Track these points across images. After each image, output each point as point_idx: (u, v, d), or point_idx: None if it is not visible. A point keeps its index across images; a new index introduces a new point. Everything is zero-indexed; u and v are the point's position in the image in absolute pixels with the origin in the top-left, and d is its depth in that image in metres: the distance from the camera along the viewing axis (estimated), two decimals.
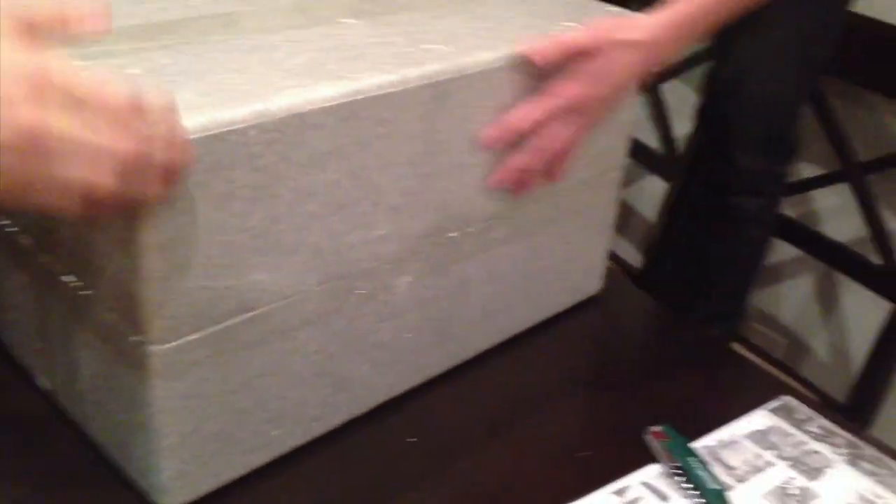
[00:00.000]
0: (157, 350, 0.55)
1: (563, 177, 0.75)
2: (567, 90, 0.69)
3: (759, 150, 1.14)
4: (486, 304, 0.79)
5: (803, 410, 0.79)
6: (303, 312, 0.62)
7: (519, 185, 0.73)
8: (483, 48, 0.68)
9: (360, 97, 0.59)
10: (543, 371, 0.83)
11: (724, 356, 0.94)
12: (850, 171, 1.24)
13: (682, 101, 1.40)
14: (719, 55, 1.16)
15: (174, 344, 0.55)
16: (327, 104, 0.57)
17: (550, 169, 0.74)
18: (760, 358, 1.33)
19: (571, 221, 0.84)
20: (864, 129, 1.30)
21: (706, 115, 1.18)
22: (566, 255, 0.86)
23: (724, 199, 1.17)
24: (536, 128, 0.69)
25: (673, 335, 0.93)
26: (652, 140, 1.45)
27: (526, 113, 0.69)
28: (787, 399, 0.80)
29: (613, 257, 1.55)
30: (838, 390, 1.23)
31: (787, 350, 1.48)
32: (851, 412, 1.21)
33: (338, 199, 0.61)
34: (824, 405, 0.81)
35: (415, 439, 0.71)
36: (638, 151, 1.57)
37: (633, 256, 1.41)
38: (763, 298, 1.52)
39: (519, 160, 0.71)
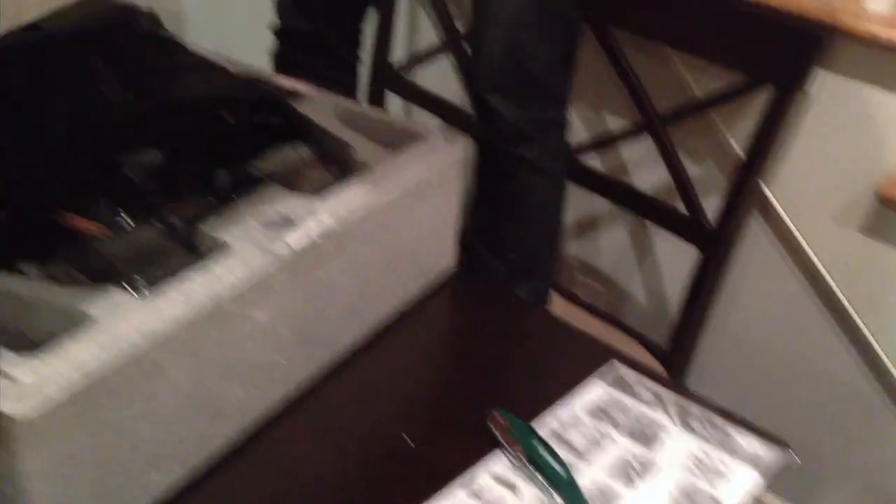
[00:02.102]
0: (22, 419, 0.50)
1: None
2: None
3: (513, 98, 1.15)
4: (350, 301, 0.77)
5: (631, 375, 0.81)
6: (171, 347, 0.58)
7: None
8: None
9: None
10: (391, 365, 0.82)
11: (550, 326, 0.96)
12: (650, 123, 1.29)
13: None
14: (473, 11, 1.17)
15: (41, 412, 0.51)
16: None
17: None
18: (584, 309, 1.38)
19: (423, 203, 0.83)
20: (660, 81, 1.35)
21: (468, 66, 1.20)
22: (419, 237, 0.85)
23: (496, 148, 1.20)
24: None
25: (498, 308, 0.94)
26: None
27: None
28: (616, 365, 0.83)
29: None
30: (659, 335, 1.29)
31: (608, 299, 1.54)
32: (672, 356, 1.28)
33: None
34: (650, 371, 0.84)
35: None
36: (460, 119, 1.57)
37: None
38: (582, 249, 1.57)
39: None
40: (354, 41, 1.33)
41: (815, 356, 1.32)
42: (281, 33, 1.30)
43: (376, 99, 1.71)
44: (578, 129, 1.48)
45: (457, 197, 0.89)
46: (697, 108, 1.28)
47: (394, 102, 1.76)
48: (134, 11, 0.84)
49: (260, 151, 0.83)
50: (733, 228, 1.21)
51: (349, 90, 1.37)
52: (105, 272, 0.64)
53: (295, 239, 0.69)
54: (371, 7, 1.36)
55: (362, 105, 0.91)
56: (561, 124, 1.21)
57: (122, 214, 0.74)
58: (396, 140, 0.87)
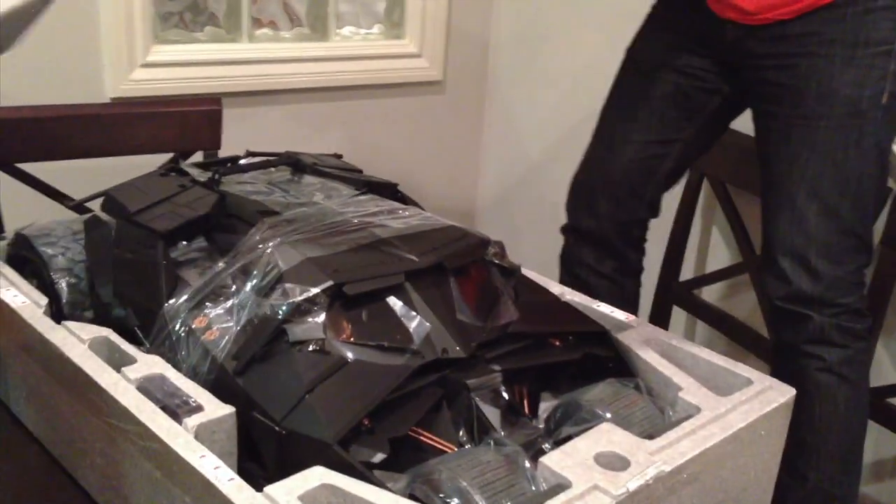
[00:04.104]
0: None
1: None
2: None
3: (814, 308, 1.15)
4: None
5: None
6: None
7: None
8: None
9: None
10: None
11: None
12: None
13: None
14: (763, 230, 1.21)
15: None
16: None
17: None
18: None
19: (749, 449, 0.82)
20: None
21: (762, 280, 1.20)
22: (742, 484, 0.84)
23: (799, 351, 1.17)
24: None
25: None
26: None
27: None
28: None
29: None
30: None
31: None
32: None
33: None
34: None
35: None
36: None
37: None
38: (884, 494, 1.45)
39: None
40: (640, 248, 1.38)
41: None
42: (570, 231, 1.37)
43: (663, 314, 1.73)
44: (888, 369, 1.41)
45: (781, 444, 0.87)
46: None
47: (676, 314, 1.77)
48: (485, 241, 0.92)
49: (587, 383, 0.86)
50: None
51: (631, 297, 1.41)
52: (457, 495, 0.68)
53: (632, 481, 0.70)
54: (652, 217, 1.40)
55: (685, 342, 0.93)
56: (865, 336, 1.17)
57: (464, 434, 0.79)
58: (721, 381, 0.88)
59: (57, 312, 0.94)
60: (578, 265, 1.35)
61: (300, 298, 0.78)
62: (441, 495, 0.68)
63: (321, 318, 0.79)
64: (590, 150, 1.35)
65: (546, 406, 0.88)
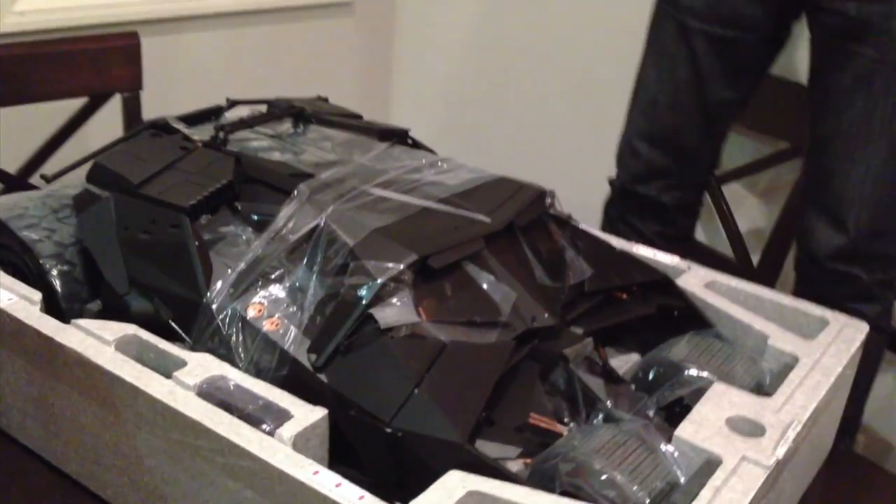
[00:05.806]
0: None
1: None
2: None
3: (864, 266, 1.13)
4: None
5: None
6: None
7: None
8: None
9: None
10: None
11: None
12: None
13: None
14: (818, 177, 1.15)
15: None
16: None
17: None
18: None
19: (837, 392, 0.80)
20: None
21: (811, 239, 1.17)
22: (830, 429, 0.83)
23: (839, 306, 1.16)
24: None
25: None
26: None
27: None
28: None
29: None
30: None
31: None
32: None
33: None
34: None
35: None
36: None
37: None
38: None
39: None
40: (692, 214, 1.31)
41: None
42: (617, 188, 1.31)
43: None
44: None
45: (850, 381, 0.86)
46: None
47: None
48: (543, 192, 0.85)
49: (654, 336, 0.82)
50: None
51: None
52: (609, 487, 0.62)
53: (780, 448, 0.66)
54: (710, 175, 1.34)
55: (746, 283, 0.89)
56: None
57: (568, 410, 0.73)
58: (791, 322, 0.85)
59: (55, 308, 0.79)
60: (620, 222, 1.28)
61: (385, 277, 0.69)
62: (601, 491, 0.62)
63: (406, 297, 0.70)
64: (634, 109, 1.24)
65: (617, 364, 0.83)
